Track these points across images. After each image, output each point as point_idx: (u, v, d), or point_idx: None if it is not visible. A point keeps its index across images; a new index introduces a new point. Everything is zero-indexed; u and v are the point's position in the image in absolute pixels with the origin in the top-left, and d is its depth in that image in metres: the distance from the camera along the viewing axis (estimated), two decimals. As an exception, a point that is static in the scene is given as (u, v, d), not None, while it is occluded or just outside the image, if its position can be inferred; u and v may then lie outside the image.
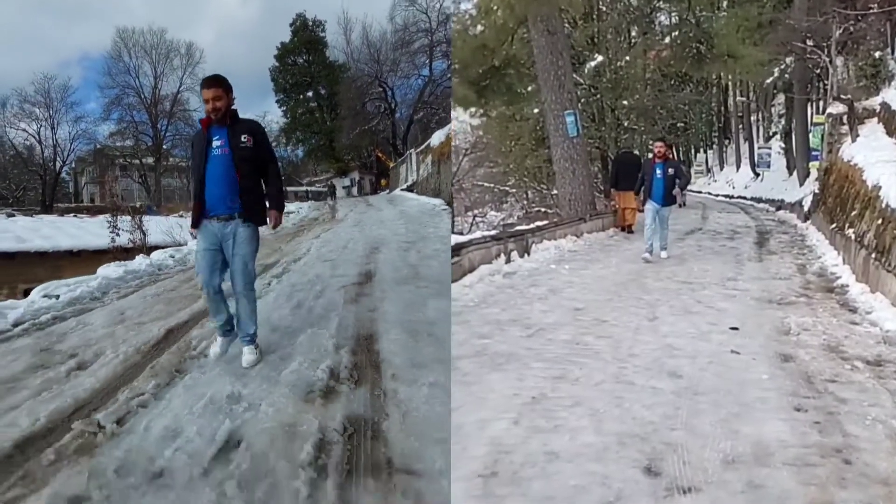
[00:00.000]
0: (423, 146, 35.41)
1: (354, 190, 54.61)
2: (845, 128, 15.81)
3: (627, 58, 26.79)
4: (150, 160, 59.37)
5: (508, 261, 11.11)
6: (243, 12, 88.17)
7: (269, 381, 5.06)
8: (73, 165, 60.40)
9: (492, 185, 35.92)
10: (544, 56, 17.01)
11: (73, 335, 6.80)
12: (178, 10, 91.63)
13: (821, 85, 28.38)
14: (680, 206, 26.81)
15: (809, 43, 22.20)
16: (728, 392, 4.89)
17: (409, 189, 35.03)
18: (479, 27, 19.37)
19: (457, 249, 9.59)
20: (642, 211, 12.67)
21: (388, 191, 43.99)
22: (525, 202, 33.89)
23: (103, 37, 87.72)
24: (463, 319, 7.45)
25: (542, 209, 28.29)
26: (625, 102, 26.41)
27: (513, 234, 12.06)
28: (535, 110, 25.08)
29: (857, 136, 14.25)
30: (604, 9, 26.67)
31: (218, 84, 5.56)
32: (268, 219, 5.93)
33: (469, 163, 33.37)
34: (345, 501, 3.45)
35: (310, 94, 60.74)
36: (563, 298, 8.66)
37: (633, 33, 28.65)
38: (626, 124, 26.98)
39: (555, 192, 23.30)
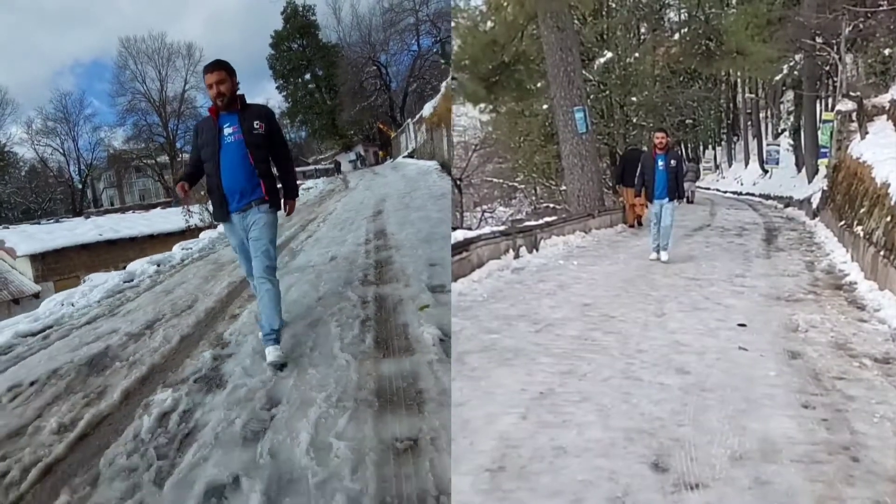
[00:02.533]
0: (417, 116, 37.95)
1: (359, 163, 56.25)
2: (854, 125, 15.77)
3: (637, 54, 26.73)
4: (164, 158, 61.88)
5: (517, 256, 11.13)
6: (231, 1, 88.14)
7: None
8: (89, 173, 62.83)
9: (500, 180, 35.85)
10: (554, 52, 17.01)
11: (181, 287, 9.93)
12: (166, 4, 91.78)
13: (830, 82, 28.27)
14: (689, 201, 26.80)
15: (819, 40, 22.11)
16: (735, 388, 4.89)
17: (410, 156, 38.45)
18: (489, 23, 19.40)
19: (466, 245, 9.61)
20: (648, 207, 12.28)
21: (390, 160, 47.11)
22: (533, 198, 33.86)
23: (94, 41, 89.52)
24: (472, 314, 7.48)
25: (551, 205, 28.29)
26: (634, 99, 26.34)
27: (521, 229, 12.08)
28: (545, 106, 25.08)
29: (867, 133, 14.20)
30: (613, 5, 26.63)
31: (220, 67, 5.43)
32: (284, 206, 5.89)
33: (478, 158, 33.33)
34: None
35: (308, 76, 62.63)
36: (572, 294, 8.68)
37: (643, 30, 28.61)
38: (634, 121, 26.92)
39: (563, 187, 23.28)
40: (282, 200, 5.88)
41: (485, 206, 36.38)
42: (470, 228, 15.00)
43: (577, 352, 5.93)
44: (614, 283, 9.48)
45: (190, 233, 19.10)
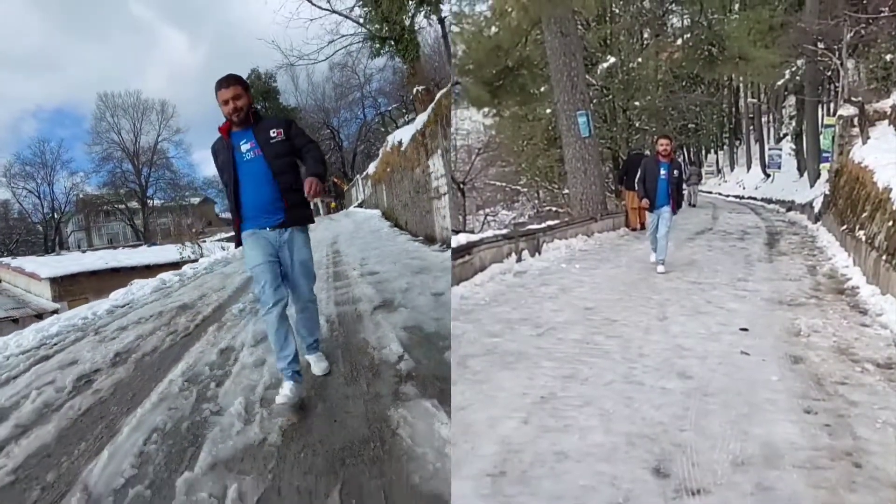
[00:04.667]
0: (364, 173, 43.64)
1: (319, 211, 60.74)
2: (856, 130, 15.75)
3: (640, 59, 26.74)
4: (135, 204, 68.70)
5: (519, 260, 11.15)
6: (191, 58, 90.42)
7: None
8: (61, 217, 68.91)
9: (503, 184, 35.89)
10: (557, 57, 17.06)
11: (206, 284, 14.11)
12: (127, 57, 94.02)
13: (832, 87, 28.26)
14: (692, 205, 26.82)
15: (821, 45, 22.11)
16: (738, 393, 4.89)
17: (360, 206, 42.65)
18: (494, 28, 19.46)
19: (468, 248, 9.63)
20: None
21: (342, 210, 52.18)
22: (536, 201, 33.87)
23: (57, 88, 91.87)
24: (474, 318, 7.49)
25: (554, 208, 28.28)
26: (636, 103, 26.34)
27: (524, 233, 12.09)
28: (548, 110, 25.10)
29: (868, 138, 14.20)
30: (617, 11, 26.64)
31: (236, 82, 5.07)
32: (305, 185, 4.99)
33: (481, 162, 33.40)
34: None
35: None
36: (574, 298, 8.69)
37: (646, 35, 28.61)
38: (637, 125, 26.93)
39: (566, 191, 23.34)
40: (311, 213, 5.49)
41: (488, 210, 36.43)
42: (472, 232, 15.03)
43: (579, 356, 5.93)
44: (616, 286, 9.49)
45: (184, 265, 19.99)
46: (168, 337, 8.43)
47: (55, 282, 30.42)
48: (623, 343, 6.39)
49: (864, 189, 11.10)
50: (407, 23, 28.06)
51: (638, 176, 11.49)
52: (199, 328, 8.87)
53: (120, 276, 26.28)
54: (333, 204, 60.89)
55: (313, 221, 5.48)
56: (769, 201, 29.00)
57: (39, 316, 23.03)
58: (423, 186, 17.80)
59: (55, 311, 22.83)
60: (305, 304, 5.43)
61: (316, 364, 5.63)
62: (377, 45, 30.52)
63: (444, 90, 15.24)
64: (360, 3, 29.22)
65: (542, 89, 22.22)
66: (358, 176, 50.69)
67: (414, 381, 5.20)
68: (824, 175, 20.08)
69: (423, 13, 25.97)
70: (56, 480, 4.20)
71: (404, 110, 31.02)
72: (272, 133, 5.12)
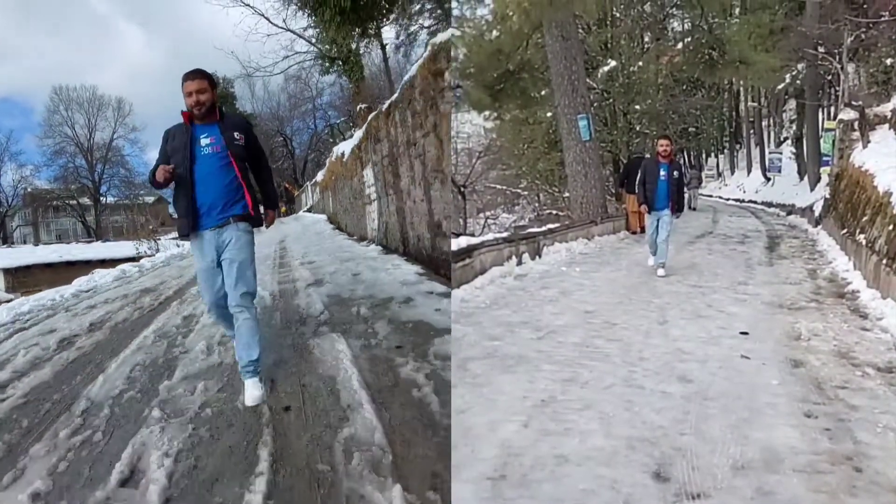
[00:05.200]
0: (313, 180, 47.03)
1: None
2: (856, 133, 15.77)
3: (640, 63, 26.82)
4: (87, 200, 69.81)
5: (520, 263, 11.16)
6: (149, 56, 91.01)
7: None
8: (3, 210, 68.85)
9: (504, 187, 35.98)
10: (558, 61, 17.09)
11: (166, 273, 15.64)
12: (84, 51, 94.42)
13: (832, 91, 28.38)
14: (692, 208, 26.85)
15: (821, 49, 22.23)
16: (738, 397, 4.88)
17: (309, 210, 46.98)
18: (495, 32, 19.54)
19: (469, 251, 9.64)
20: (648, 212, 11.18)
21: (293, 214, 57.15)
22: (537, 204, 33.93)
23: (5, 77, 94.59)
24: (474, 321, 7.50)
25: (554, 212, 28.32)
26: (637, 107, 26.42)
27: (524, 236, 12.10)
28: (549, 114, 25.19)
29: (869, 141, 14.22)
30: (617, 15, 26.71)
31: (202, 77, 5.06)
32: (263, 216, 5.53)
33: (482, 165, 33.47)
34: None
35: None
36: (574, 301, 8.69)
37: (647, 39, 28.72)
38: (638, 128, 26.99)
39: (566, 194, 23.39)
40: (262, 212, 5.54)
41: (488, 213, 36.51)
42: (473, 235, 15.07)
43: (579, 359, 5.92)
44: (617, 290, 9.49)
45: (139, 260, 20.56)
46: (136, 311, 9.58)
47: (9, 273, 32.11)
48: (623, 346, 6.38)
49: (865, 193, 11.12)
50: (353, 46, 30.86)
51: (638, 178, 11.31)
52: (162, 305, 10.04)
53: (75, 269, 26.95)
54: (284, 209, 63.41)
55: (261, 224, 5.48)
56: (769, 205, 29.10)
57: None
58: (358, 194, 20.73)
59: (9, 302, 23.74)
60: (236, 310, 5.08)
61: (249, 391, 4.87)
62: (327, 64, 34.20)
63: (375, 112, 17.04)
64: (312, 24, 31.70)
65: (543, 93, 22.30)
66: (308, 182, 55.64)
67: (328, 325, 7.21)
68: (825, 179, 20.15)
69: (364, 42, 28.82)
70: (61, 398, 5.32)
71: (351, 124, 32.60)
72: (236, 135, 5.13)
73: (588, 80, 21.36)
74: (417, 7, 27.25)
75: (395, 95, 13.57)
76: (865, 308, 7.84)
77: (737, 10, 27.25)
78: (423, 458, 3.77)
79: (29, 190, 69.23)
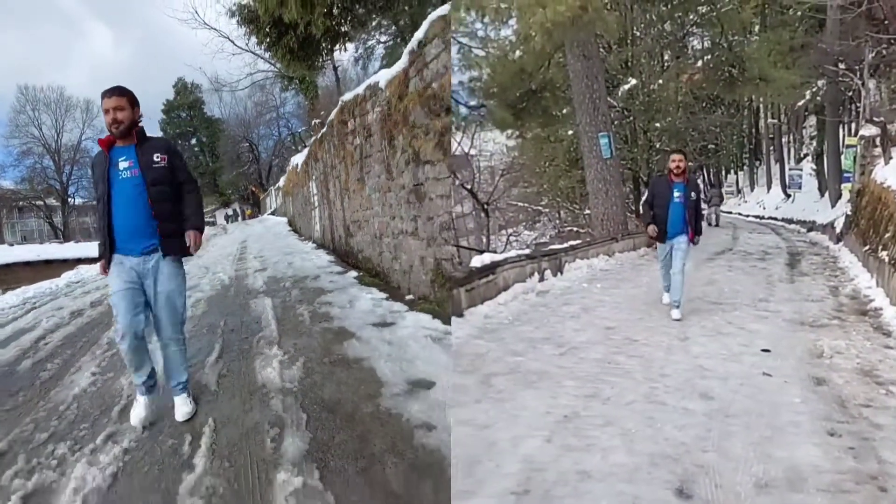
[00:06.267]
0: (277, 185, 50.80)
1: (237, 217, 67.91)
2: (878, 150, 15.72)
3: (660, 81, 26.77)
4: (54, 201, 70.13)
5: (542, 279, 11.19)
6: (115, 56, 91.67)
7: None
8: None
9: (526, 204, 36.01)
10: (580, 80, 17.19)
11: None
12: (51, 51, 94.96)
13: (853, 107, 28.29)
14: (715, 224, 26.77)
15: (842, 66, 22.13)
16: (760, 415, 4.88)
17: (273, 213, 49.66)
18: (518, 52, 19.69)
19: (492, 268, 9.69)
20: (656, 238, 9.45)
21: (257, 217, 59.47)
22: (558, 221, 33.96)
23: None
24: (497, 337, 7.54)
25: (575, 229, 28.33)
26: (657, 125, 26.36)
27: (546, 253, 12.13)
28: (570, 132, 25.30)
29: (891, 157, 14.16)
30: (638, 34, 26.71)
31: (120, 94, 4.78)
32: (186, 238, 4.94)
33: (504, 183, 33.52)
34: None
35: (193, 141, 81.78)
36: (595, 317, 8.71)
37: (667, 57, 28.66)
38: (658, 146, 26.93)
39: (587, 211, 23.43)
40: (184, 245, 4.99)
41: (510, 230, 36.52)
42: (496, 251, 15.13)
43: (601, 375, 5.95)
44: (637, 306, 9.49)
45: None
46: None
47: None
48: (644, 363, 6.40)
49: (887, 209, 11.06)
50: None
51: (644, 198, 9.95)
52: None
53: (52, 267, 28.35)
54: (249, 211, 69.45)
55: (189, 254, 5.03)
56: (790, 221, 28.95)
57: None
58: (307, 201, 24.46)
59: None
60: (167, 341, 5.00)
61: (179, 407, 5.04)
62: (286, 82, 38.36)
63: (313, 138, 21.68)
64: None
65: (565, 111, 22.44)
66: (272, 187, 59.31)
67: (263, 293, 10.93)
68: (845, 195, 20.04)
69: (318, 63, 30.27)
70: (88, 340, 7.37)
71: (310, 133, 34.19)
72: (156, 157, 4.83)
73: (609, 98, 21.40)
74: (374, 23, 28.62)
75: (324, 129, 17.92)
76: (889, 326, 7.80)
77: (757, 28, 27.24)
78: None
79: None
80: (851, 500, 3.62)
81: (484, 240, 31.39)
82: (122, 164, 4.76)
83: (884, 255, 9.91)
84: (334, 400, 5.17)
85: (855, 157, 18.46)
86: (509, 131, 26.21)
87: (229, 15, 29.23)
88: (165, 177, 4.84)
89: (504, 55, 20.35)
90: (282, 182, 42.48)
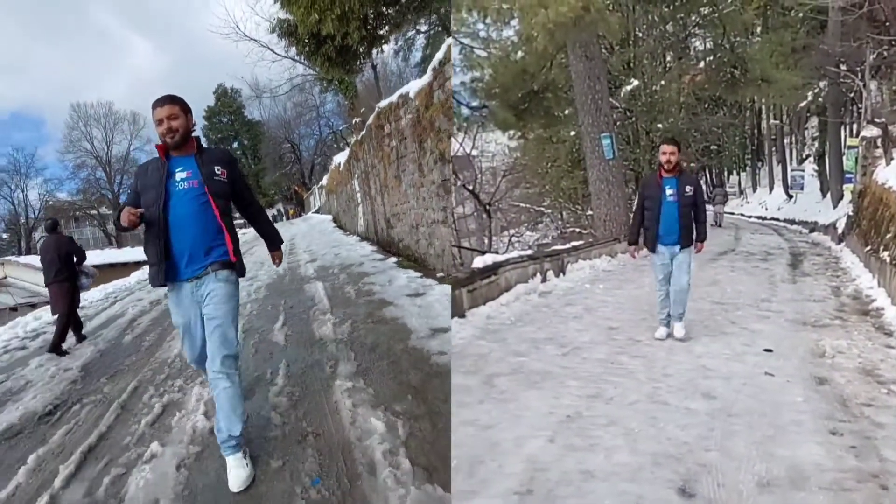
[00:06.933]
0: (320, 183, 52.68)
1: (282, 217, 69.35)
2: (879, 151, 15.73)
3: (662, 82, 26.83)
4: (106, 210, 72.69)
5: (544, 280, 11.20)
6: (153, 66, 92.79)
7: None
8: (31, 222, 72.95)
9: (528, 205, 36.02)
10: (582, 81, 17.24)
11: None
12: (91, 65, 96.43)
13: (854, 108, 28.27)
14: (718, 225, 26.74)
15: (843, 67, 22.15)
16: (763, 414, 4.90)
17: (317, 212, 50.40)
18: (520, 53, 19.73)
19: (494, 269, 9.72)
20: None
21: (301, 215, 61.68)
22: (560, 222, 33.97)
23: (14, 91, 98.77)
24: (500, 337, 7.57)
25: (577, 229, 28.34)
26: (659, 125, 26.40)
27: (549, 253, 12.14)
28: (572, 133, 25.34)
29: (892, 158, 14.17)
30: (640, 35, 26.76)
31: (172, 102, 4.47)
32: (273, 259, 5.31)
33: (506, 184, 33.52)
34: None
35: (235, 145, 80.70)
36: (598, 317, 8.74)
37: (669, 58, 28.73)
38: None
39: (589, 212, 23.47)
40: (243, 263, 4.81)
41: (512, 231, 36.51)
42: (498, 252, 15.18)
43: (604, 375, 5.97)
44: (640, 306, 9.49)
45: None
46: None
47: None
48: (647, 363, 6.42)
49: (889, 210, 11.08)
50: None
51: (636, 201, 8.37)
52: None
53: (117, 270, 30.00)
54: (293, 211, 71.81)
55: (243, 275, 4.78)
56: (792, 222, 28.94)
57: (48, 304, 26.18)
58: (350, 198, 26.39)
59: None
60: (216, 377, 4.40)
61: (233, 470, 4.29)
62: (325, 84, 39.56)
63: (356, 138, 23.58)
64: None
65: (567, 112, 22.50)
66: (315, 186, 61.41)
67: (314, 279, 13.19)
68: (847, 196, 20.04)
69: (356, 66, 30.31)
70: (171, 322, 6.36)
71: (351, 131, 34.78)
72: (216, 170, 4.54)
73: (611, 99, 21.45)
74: (411, 24, 29.13)
75: (363, 132, 20.33)
76: (890, 325, 7.80)
77: (759, 30, 27.27)
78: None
79: (51, 203, 72.31)
80: (853, 499, 3.62)
81: (486, 241, 31.42)
82: (180, 175, 4.46)
83: (885, 255, 9.92)
84: (375, 343, 7.30)
85: (856, 158, 18.45)
86: (511, 132, 26.25)
87: (269, 30, 30.05)
88: (227, 191, 4.60)
89: (506, 56, 20.40)
90: (325, 181, 44.16)
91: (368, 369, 6.26)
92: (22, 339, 11.26)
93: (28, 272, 39.43)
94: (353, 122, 31.47)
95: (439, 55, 11.34)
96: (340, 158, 30.80)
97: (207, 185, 4.43)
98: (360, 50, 25.01)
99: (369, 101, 29.65)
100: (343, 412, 5.22)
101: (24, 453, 5.32)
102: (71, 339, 10.21)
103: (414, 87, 12.98)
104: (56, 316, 10.10)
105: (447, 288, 9.27)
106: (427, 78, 11.91)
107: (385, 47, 30.36)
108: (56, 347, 9.47)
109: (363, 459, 4.36)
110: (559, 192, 30.35)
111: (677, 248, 7.46)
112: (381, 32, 26.10)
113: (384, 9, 24.44)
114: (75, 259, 10.48)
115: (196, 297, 4.48)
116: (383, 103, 16.23)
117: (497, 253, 13.12)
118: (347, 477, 4.17)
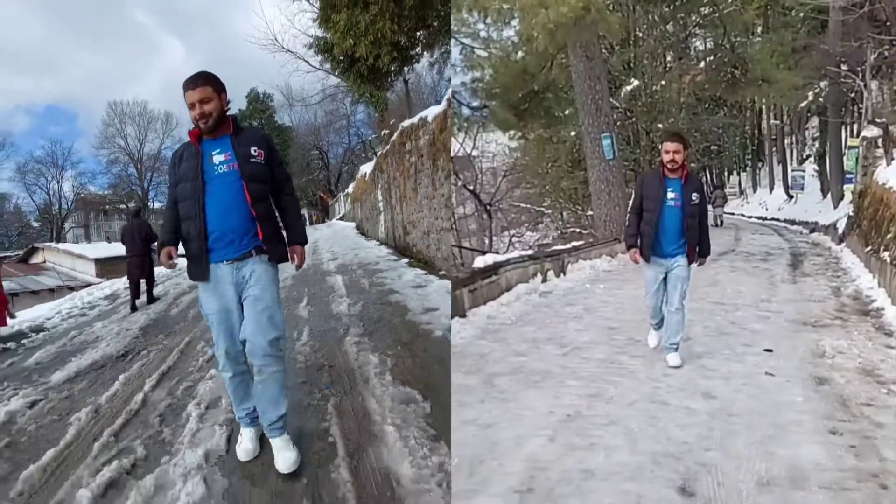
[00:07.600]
0: (346, 191, 52.79)
1: (306, 223, 66.19)
2: (880, 151, 15.73)
3: (663, 82, 26.83)
4: (134, 205, 73.75)
5: (545, 280, 11.20)
6: (185, 67, 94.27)
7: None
8: (63, 213, 76.01)
9: (528, 205, 36.03)
10: (582, 81, 17.23)
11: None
12: (125, 63, 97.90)
13: (855, 108, 28.23)
14: (720, 225, 26.72)
15: (844, 67, 22.13)
16: (763, 414, 4.91)
17: (341, 219, 51.10)
18: (521, 53, 19.76)
19: (495, 269, 9.73)
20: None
21: (325, 221, 61.86)
22: (560, 223, 33.95)
23: (50, 85, 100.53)
24: (500, 337, 7.58)
25: (577, 230, 28.34)
26: (660, 125, 26.37)
27: (549, 253, 12.16)
28: (572, 133, 25.33)
29: (893, 158, 14.17)
30: (640, 35, 26.77)
31: (205, 81, 4.18)
32: (292, 256, 4.55)
33: (507, 184, 33.61)
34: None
35: None
36: (598, 317, 8.75)
37: (669, 58, 28.72)
38: (660, 147, 27.02)
39: (590, 212, 23.48)
40: (286, 248, 4.56)
41: (513, 231, 36.53)
42: (498, 252, 15.21)
43: (604, 375, 5.99)
44: (640, 306, 9.42)
45: None
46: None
47: (99, 262, 41.99)
48: (647, 363, 6.44)
49: (889, 210, 11.08)
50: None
51: (632, 203, 6.99)
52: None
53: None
54: (316, 217, 72.27)
55: (286, 259, 4.50)
56: (792, 222, 28.88)
57: (87, 286, 27.69)
58: (374, 206, 27.44)
59: (99, 284, 27.41)
60: (260, 366, 4.18)
61: (280, 453, 4.20)
62: (356, 96, 38.54)
63: (381, 152, 25.77)
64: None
65: (567, 112, 22.53)
66: (341, 193, 61.69)
67: (335, 273, 14.85)
68: (848, 196, 20.00)
69: (388, 84, 31.56)
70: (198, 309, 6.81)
71: (380, 141, 35.26)
72: (253, 151, 4.26)
73: (611, 99, 21.44)
74: (443, 37, 29.39)
75: (388, 147, 22.59)
76: (890, 326, 7.81)
77: (759, 29, 27.27)
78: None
79: (82, 195, 75.40)
80: (853, 498, 3.63)
81: (486, 241, 31.48)
82: (217, 158, 4.20)
83: (885, 255, 9.93)
84: (380, 317, 9.10)
85: (857, 159, 18.44)
86: (512, 132, 26.32)
87: (307, 46, 31.81)
88: (264, 173, 4.31)
89: (506, 56, 20.45)
90: (351, 189, 45.23)
91: (373, 332, 8.16)
92: (81, 309, 14.42)
93: (66, 258, 45.03)
94: (382, 133, 32.36)
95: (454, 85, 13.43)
96: (367, 168, 32.86)
97: (243, 167, 4.19)
98: (392, 69, 26.45)
99: (399, 114, 30.03)
100: (350, 353, 7.11)
101: (113, 375, 7.19)
102: (141, 299, 13.66)
103: (432, 111, 15.18)
104: (132, 282, 13.82)
105: (445, 283, 11.08)
106: (443, 105, 14.31)
107: (417, 65, 31.06)
108: (134, 305, 13.20)
109: (361, 377, 6.16)
110: (559, 192, 30.35)
111: (674, 261, 6.50)
112: (413, 53, 26.78)
113: (417, 32, 25.10)
114: (149, 239, 14.01)
115: (236, 279, 4.22)
116: (406, 123, 18.36)
117: (497, 253, 13.15)
118: (349, 384, 5.98)
